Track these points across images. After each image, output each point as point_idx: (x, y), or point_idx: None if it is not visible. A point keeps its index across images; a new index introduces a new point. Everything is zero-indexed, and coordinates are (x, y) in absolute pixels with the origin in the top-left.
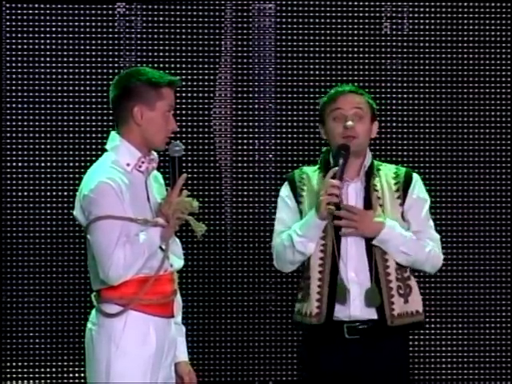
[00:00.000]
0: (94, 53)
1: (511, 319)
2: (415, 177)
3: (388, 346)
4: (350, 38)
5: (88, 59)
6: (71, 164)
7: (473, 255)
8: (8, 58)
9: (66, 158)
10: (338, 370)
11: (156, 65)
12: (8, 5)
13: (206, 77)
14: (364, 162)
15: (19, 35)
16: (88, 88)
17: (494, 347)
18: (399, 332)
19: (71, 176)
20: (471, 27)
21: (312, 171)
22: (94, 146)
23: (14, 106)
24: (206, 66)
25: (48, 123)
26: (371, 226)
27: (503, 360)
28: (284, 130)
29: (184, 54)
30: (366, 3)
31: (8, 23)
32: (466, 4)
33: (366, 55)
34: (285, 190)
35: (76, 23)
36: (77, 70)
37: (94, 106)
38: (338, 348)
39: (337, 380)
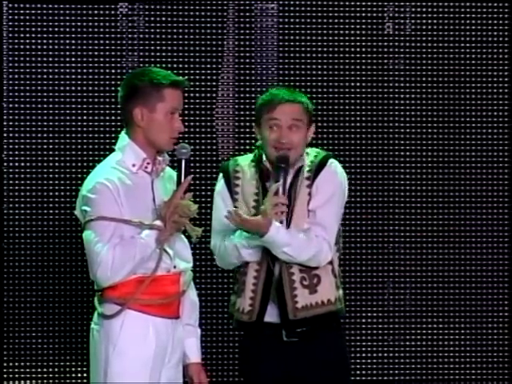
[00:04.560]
0: (96, 53)
1: (510, 319)
2: (329, 163)
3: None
4: (352, 37)
5: (90, 59)
6: (73, 164)
7: (472, 255)
8: (10, 58)
9: (68, 158)
10: (271, 370)
11: (158, 65)
12: (10, 5)
13: (209, 77)
14: (305, 163)
15: (21, 35)
16: (91, 88)
17: (492, 347)
18: (317, 327)
19: (74, 176)
20: (474, 27)
21: (246, 164)
22: (96, 146)
23: (16, 106)
24: (209, 66)
25: (51, 123)
26: (256, 229)
27: (502, 360)
28: None
29: (186, 54)
30: (369, 3)
31: (10, 23)
32: (468, 4)
33: (369, 55)
34: (219, 185)
35: (78, 23)
36: (79, 70)
37: (96, 106)
38: (273, 349)
39: (271, 380)
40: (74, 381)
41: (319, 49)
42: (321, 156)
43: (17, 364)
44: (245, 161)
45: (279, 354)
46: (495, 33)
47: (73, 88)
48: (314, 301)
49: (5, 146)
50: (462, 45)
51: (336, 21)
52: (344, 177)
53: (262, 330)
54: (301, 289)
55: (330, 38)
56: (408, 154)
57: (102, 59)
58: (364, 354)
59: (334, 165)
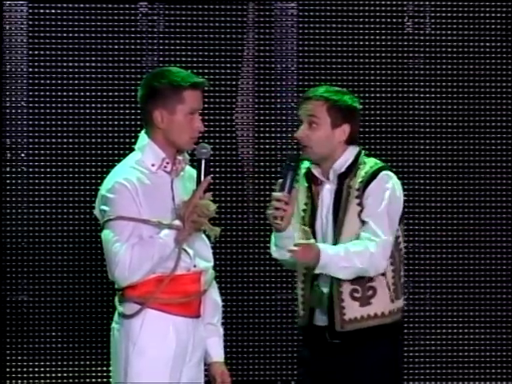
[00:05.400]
0: (116, 52)
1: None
2: (381, 174)
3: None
4: (371, 37)
5: (110, 59)
6: (93, 164)
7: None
8: (31, 58)
9: (88, 158)
10: (321, 371)
11: (178, 64)
12: (31, 4)
13: (229, 76)
14: (333, 165)
15: (41, 34)
16: (111, 87)
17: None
18: (365, 336)
19: (94, 176)
20: (493, 26)
21: (306, 166)
22: (116, 146)
23: (36, 105)
24: (229, 65)
25: (70, 122)
26: (310, 256)
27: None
28: None
29: (206, 54)
30: (388, 2)
31: (30, 23)
32: (488, 3)
33: (388, 54)
34: None
35: (98, 22)
36: (99, 70)
37: (116, 106)
38: (321, 350)
39: (321, 382)
40: (93, 380)
41: (338, 48)
42: (375, 167)
43: (36, 363)
44: (307, 163)
45: (324, 355)
46: None
47: (93, 87)
48: (366, 313)
49: (25, 146)
50: (482, 44)
51: (356, 20)
52: (397, 189)
53: (313, 333)
54: (350, 301)
55: (350, 37)
56: (428, 153)
57: (121, 58)
58: None
59: (385, 176)
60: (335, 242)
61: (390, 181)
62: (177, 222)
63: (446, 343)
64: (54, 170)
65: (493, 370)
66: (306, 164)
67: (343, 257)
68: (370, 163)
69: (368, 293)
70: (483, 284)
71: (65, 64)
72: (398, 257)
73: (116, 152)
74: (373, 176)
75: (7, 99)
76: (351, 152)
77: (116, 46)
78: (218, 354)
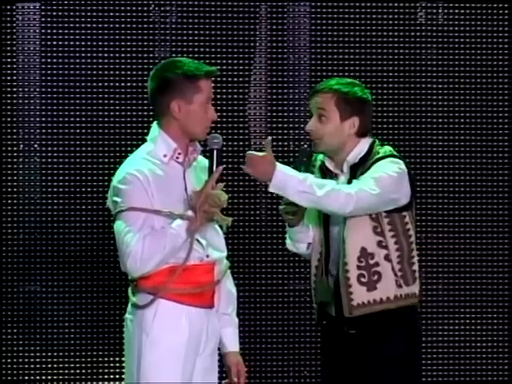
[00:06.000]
0: (128, 43)
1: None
2: (385, 159)
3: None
4: (384, 29)
5: (123, 49)
6: (106, 155)
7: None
8: (43, 49)
9: (100, 149)
10: (337, 362)
11: (191, 55)
12: None
13: (241, 67)
14: (347, 158)
15: (54, 25)
16: (123, 79)
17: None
18: (375, 324)
19: (106, 167)
20: (506, 17)
21: (320, 158)
22: (128, 137)
23: (48, 96)
24: (241, 57)
25: (83, 113)
26: (261, 170)
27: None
28: None
29: (219, 46)
30: None
31: (43, 13)
32: None
33: (401, 46)
34: None
35: (111, 13)
36: (112, 61)
37: (129, 97)
38: (338, 341)
39: (338, 372)
40: (107, 370)
41: (351, 44)
42: (383, 155)
43: (49, 354)
44: (321, 156)
45: (341, 345)
46: None
47: (105, 79)
48: (372, 298)
49: (38, 137)
50: (495, 35)
51: (368, 12)
52: (399, 172)
53: (328, 323)
54: (357, 286)
55: (362, 29)
56: (441, 145)
57: (134, 49)
58: None
59: (390, 160)
60: (345, 233)
61: (393, 163)
62: (189, 213)
63: (458, 334)
64: (66, 160)
65: (505, 367)
66: (320, 157)
67: (301, 181)
68: (382, 151)
69: (374, 277)
70: (495, 275)
71: (77, 55)
72: (406, 243)
73: (128, 143)
74: (377, 160)
75: (20, 90)
76: (364, 144)
77: (129, 37)
78: (233, 345)
